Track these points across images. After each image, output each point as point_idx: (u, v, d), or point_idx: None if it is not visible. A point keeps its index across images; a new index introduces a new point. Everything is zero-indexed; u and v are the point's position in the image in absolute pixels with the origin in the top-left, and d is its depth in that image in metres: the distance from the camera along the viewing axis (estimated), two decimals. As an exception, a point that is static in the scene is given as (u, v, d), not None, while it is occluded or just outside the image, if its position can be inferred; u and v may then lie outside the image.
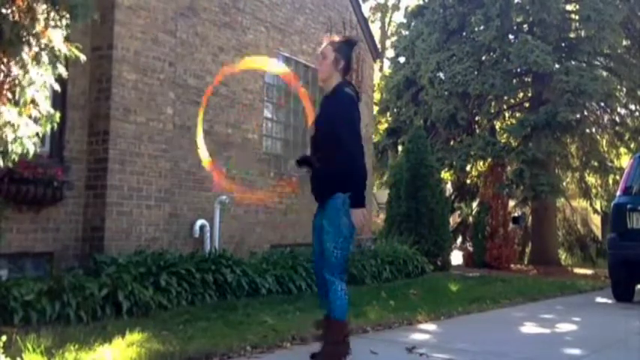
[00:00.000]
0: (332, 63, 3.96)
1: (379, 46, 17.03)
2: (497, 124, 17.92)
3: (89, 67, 6.39)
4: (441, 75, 15.87)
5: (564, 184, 17.73)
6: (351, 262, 8.67)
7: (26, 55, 3.21)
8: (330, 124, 3.82)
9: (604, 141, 17.52)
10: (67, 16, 3.44)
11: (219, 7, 8.49)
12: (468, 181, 17.88)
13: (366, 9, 25.85)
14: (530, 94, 17.11)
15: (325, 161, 3.84)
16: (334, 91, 3.97)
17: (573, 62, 15.37)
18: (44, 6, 3.29)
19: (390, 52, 24.81)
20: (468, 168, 16.72)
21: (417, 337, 5.23)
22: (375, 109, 16.67)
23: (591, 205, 18.44)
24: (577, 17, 15.70)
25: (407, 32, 17.97)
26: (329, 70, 3.98)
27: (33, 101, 3.30)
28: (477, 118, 17.04)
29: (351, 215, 3.79)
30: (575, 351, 4.97)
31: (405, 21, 18.68)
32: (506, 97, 16.79)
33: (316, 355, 3.90)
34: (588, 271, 15.35)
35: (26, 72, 3.22)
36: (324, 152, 3.85)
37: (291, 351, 4.50)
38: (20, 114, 3.24)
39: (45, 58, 3.31)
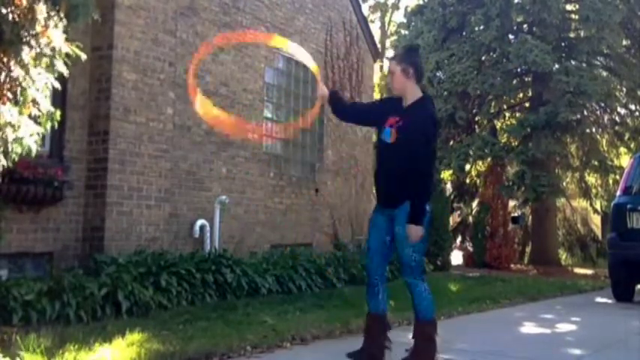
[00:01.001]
0: (401, 74, 4.05)
1: (379, 46, 17.02)
2: (498, 124, 17.91)
3: (89, 67, 6.38)
4: (441, 74, 15.86)
5: (564, 184, 17.73)
6: (350, 262, 8.69)
7: (27, 55, 3.21)
8: (417, 135, 3.92)
9: (604, 141, 17.51)
10: (68, 16, 3.44)
11: (219, 7, 8.48)
12: (468, 181, 17.87)
13: (365, 8, 25.84)
14: (530, 94, 17.10)
15: (406, 168, 3.92)
16: (422, 102, 4.05)
17: (573, 62, 15.36)
18: (44, 6, 3.29)
19: (390, 52, 24.81)
20: (467, 168, 16.71)
21: (417, 337, 5.22)
22: (375, 108, 16.65)
23: (591, 205, 18.44)
24: (577, 17, 15.70)
25: (406, 32, 17.96)
26: (401, 82, 4.08)
27: (34, 100, 3.30)
28: (476, 118, 17.04)
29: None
30: (575, 351, 4.98)
31: (404, 20, 18.68)
32: (506, 97, 16.78)
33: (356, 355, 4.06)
34: (588, 271, 15.35)
35: (27, 72, 3.22)
36: (406, 159, 3.93)
37: (291, 351, 4.50)
38: (21, 113, 3.24)
39: (45, 58, 3.31)
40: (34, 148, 3.37)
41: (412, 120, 3.96)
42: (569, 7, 16.23)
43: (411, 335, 4.15)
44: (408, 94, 4.08)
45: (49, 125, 3.47)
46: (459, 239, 17.53)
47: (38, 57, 3.28)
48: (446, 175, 16.78)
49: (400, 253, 4.00)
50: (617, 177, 14.97)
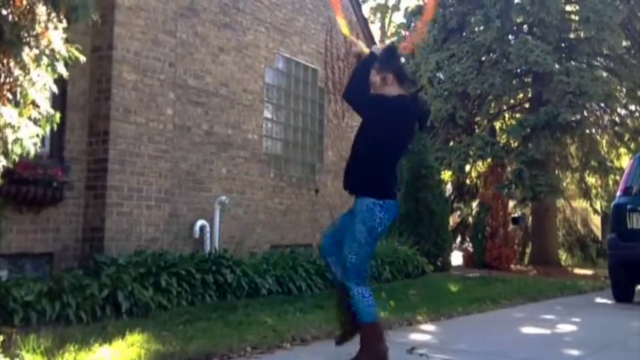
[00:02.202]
0: (381, 84, 3.93)
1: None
2: (498, 125, 17.93)
3: (89, 67, 6.38)
4: (441, 75, 15.87)
5: (564, 184, 17.74)
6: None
7: (27, 56, 3.21)
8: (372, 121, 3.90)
9: (604, 141, 17.53)
10: (68, 17, 3.44)
11: (219, 7, 8.48)
12: (468, 182, 17.88)
13: (365, 9, 25.84)
14: (530, 95, 17.11)
15: (359, 162, 3.92)
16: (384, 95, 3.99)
17: (573, 63, 15.37)
18: (44, 7, 3.29)
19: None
20: (467, 168, 16.72)
21: (417, 337, 5.23)
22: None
23: (591, 205, 18.45)
24: (577, 18, 15.71)
25: (407, 32, 17.98)
26: (379, 88, 3.94)
27: (33, 102, 3.30)
28: (476, 119, 17.05)
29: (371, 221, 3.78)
30: (575, 352, 4.97)
31: (404, 21, 18.70)
32: (506, 98, 16.79)
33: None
34: (588, 272, 15.35)
35: (27, 73, 3.22)
36: (360, 153, 3.93)
37: (291, 352, 4.50)
38: (21, 115, 3.24)
39: (45, 59, 3.31)
40: (34, 150, 3.37)
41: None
42: (569, 7, 16.24)
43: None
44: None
45: (48, 127, 3.47)
46: (458, 239, 17.54)
47: (38, 58, 3.28)
48: (446, 175, 16.79)
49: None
50: (617, 178, 14.98)
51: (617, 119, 17.40)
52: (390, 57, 4.03)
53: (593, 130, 17.00)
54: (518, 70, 15.75)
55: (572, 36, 16.24)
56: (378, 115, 3.85)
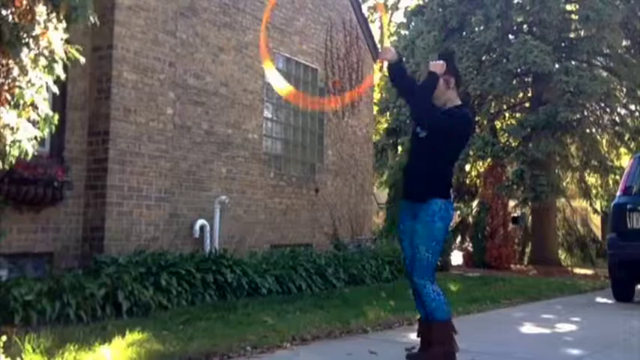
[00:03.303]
0: (444, 84, 4.07)
1: (379, 46, 17.00)
2: (498, 125, 17.91)
3: (89, 67, 6.38)
4: (441, 75, 15.84)
5: (564, 184, 17.72)
6: (350, 262, 8.70)
7: (26, 57, 3.21)
8: (439, 134, 3.99)
9: (604, 141, 17.50)
10: (67, 17, 3.44)
11: (219, 7, 8.48)
12: (468, 181, 17.87)
13: (365, 9, 25.76)
14: (530, 95, 17.10)
15: (427, 166, 4.02)
16: (460, 106, 4.16)
17: (573, 62, 15.35)
18: (44, 8, 3.29)
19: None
20: (467, 168, 16.70)
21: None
22: (375, 109, 16.66)
23: (591, 205, 18.42)
24: (577, 17, 15.70)
25: (406, 32, 17.98)
26: (443, 91, 4.08)
27: (32, 103, 3.30)
28: (477, 119, 17.04)
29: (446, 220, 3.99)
30: (575, 351, 4.98)
31: (404, 20, 18.69)
32: (506, 97, 16.77)
33: (416, 356, 3.98)
34: (588, 271, 15.34)
35: (26, 74, 3.22)
36: (428, 157, 4.03)
37: (291, 351, 4.50)
38: (19, 116, 3.23)
39: (44, 60, 3.31)
40: (31, 152, 3.37)
41: (440, 122, 4.02)
42: (569, 7, 16.22)
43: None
44: (448, 104, 4.08)
45: (47, 130, 3.46)
46: (458, 239, 17.53)
47: (37, 59, 3.27)
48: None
49: (415, 250, 3.96)
50: (617, 177, 14.97)
51: (617, 119, 17.36)
52: (452, 62, 4.21)
53: (593, 130, 16.97)
54: (518, 70, 15.72)
55: (572, 35, 16.22)
56: (450, 130, 4.01)
